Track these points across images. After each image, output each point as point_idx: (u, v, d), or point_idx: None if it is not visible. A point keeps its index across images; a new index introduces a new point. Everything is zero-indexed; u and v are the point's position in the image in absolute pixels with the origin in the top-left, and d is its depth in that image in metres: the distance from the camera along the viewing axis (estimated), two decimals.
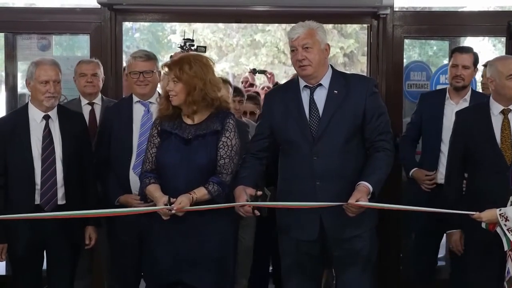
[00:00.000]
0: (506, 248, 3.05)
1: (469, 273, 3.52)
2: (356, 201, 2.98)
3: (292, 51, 3.23)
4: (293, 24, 3.30)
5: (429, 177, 4.28)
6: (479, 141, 3.45)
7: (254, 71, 7.16)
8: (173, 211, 3.06)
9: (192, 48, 5.17)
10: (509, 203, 3.06)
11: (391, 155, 3.24)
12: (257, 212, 3.11)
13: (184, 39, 5.23)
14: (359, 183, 3.07)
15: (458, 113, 3.67)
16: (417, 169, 4.36)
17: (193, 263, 3.20)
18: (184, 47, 5.16)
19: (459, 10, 5.53)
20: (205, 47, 5.27)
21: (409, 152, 4.47)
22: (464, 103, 4.26)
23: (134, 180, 3.60)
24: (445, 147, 4.16)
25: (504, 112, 3.44)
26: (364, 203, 3.00)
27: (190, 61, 3.22)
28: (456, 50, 4.39)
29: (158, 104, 3.41)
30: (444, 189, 3.73)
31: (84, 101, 4.37)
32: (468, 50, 4.37)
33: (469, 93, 4.31)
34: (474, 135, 3.48)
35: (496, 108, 3.46)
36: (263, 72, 7.44)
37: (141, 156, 3.49)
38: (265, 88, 6.80)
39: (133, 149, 3.65)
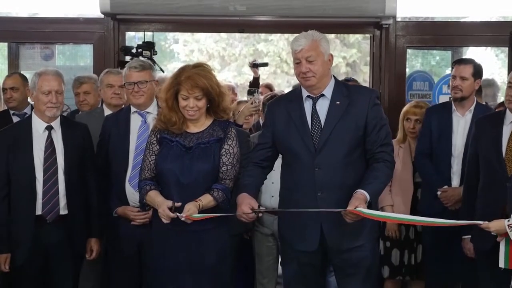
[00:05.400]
0: (502, 265, 3.04)
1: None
2: (355, 208, 2.97)
3: (296, 63, 3.21)
4: (296, 34, 3.29)
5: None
6: (486, 149, 3.46)
7: (254, 65, 6.09)
8: (182, 219, 3.04)
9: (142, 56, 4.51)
10: None
11: (390, 166, 3.23)
12: (260, 215, 3.10)
13: (144, 42, 4.47)
14: (356, 191, 3.06)
15: (475, 122, 3.69)
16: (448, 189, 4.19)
17: (192, 271, 3.19)
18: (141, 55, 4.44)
19: (462, 20, 5.55)
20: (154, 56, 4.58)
21: (430, 168, 4.28)
22: (469, 114, 4.25)
23: (130, 192, 3.60)
24: (456, 160, 4.16)
25: None
26: (362, 209, 2.97)
27: (208, 72, 3.21)
28: (456, 62, 4.39)
29: (161, 116, 3.29)
30: (462, 198, 3.71)
31: (107, 111, 4.25)
32: (467, 61, 4.35)
33: (474, 105, 4.28)
34: (483, 143, 3.48)
35: (508, 118, 3.46)
36: (265, 64, 6.58)
37: (137, 168, 3.46)
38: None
39: (129, 161, 3.64)
